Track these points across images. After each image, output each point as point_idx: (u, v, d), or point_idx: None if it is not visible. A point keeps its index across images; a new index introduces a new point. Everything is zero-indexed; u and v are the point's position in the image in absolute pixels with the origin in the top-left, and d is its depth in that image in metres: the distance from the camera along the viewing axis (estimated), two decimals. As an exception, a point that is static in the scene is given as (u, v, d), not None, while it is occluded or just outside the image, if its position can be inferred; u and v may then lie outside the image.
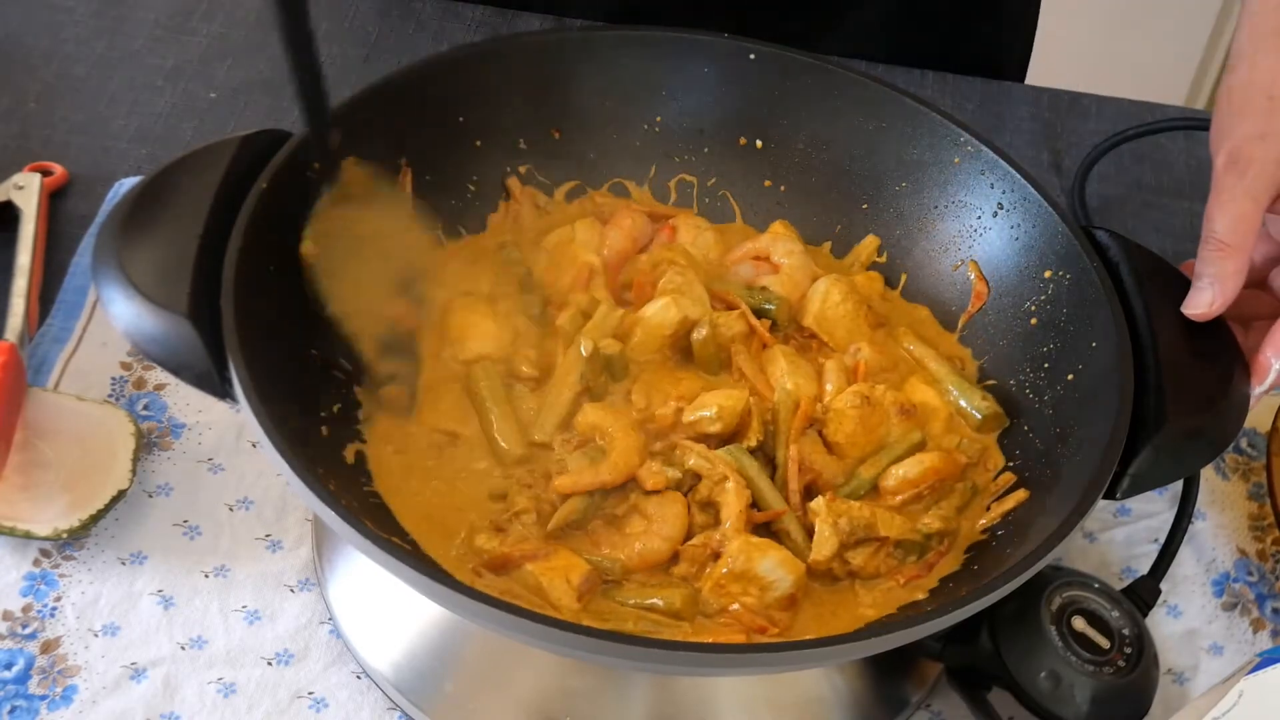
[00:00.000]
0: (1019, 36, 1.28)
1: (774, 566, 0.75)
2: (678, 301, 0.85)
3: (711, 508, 0.78)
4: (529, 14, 1.19)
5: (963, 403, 0.85)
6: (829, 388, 0.84)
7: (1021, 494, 0.80)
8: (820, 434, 0.83)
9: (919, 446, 0.83)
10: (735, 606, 0.75)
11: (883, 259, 0.92)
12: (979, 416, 0.84)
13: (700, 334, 0.84)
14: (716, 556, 0.76)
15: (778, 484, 0.80)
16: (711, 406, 0.80)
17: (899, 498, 0.81)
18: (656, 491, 0.78)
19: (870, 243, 0.92)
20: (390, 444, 0.80)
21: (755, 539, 0.76)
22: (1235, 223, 0.78)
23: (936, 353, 0.88)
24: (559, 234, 0.90)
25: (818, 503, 0.78)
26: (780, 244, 0.91)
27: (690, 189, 0.95)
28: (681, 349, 0.85)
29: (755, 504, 0.78)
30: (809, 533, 0.78)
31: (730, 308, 0.87)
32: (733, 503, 0.77)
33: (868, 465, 0.82)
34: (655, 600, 0.75)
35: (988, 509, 0.81)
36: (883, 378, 0.86)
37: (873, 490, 0.81)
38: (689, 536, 0.78)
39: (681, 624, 0.75)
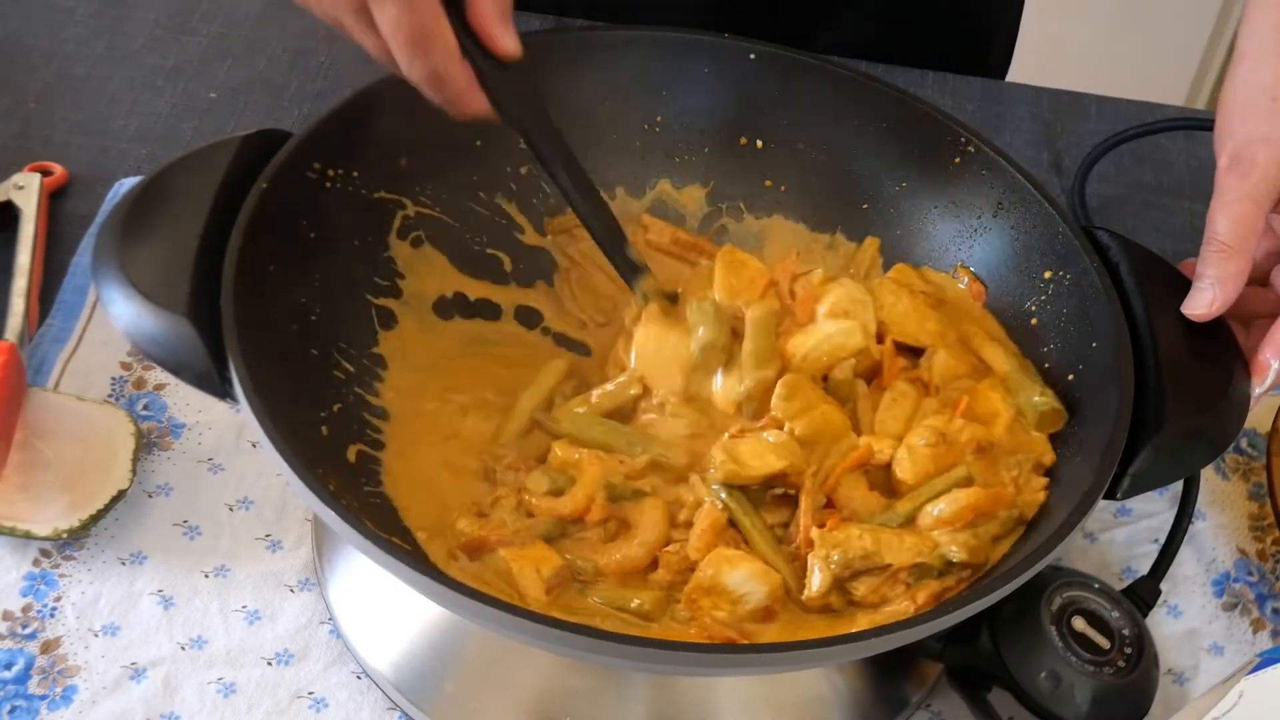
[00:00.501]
0: (1003, 32, 1.28)
1: (745, 579, 0.73)
2: (865, 327, 0.83)
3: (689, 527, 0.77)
4: (529, 14, 1.19)
5: (1021, 398, 0.81)
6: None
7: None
8: (890, 469, 0.79)
9: (965, 481, 0.78)
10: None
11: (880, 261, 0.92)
12: (1036, 414, 0.80)
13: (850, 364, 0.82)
14: (694, 567, 0.75)
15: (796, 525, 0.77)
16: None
17: (936, 534, 0.76)
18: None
19: (870, 244, 0.92)
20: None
21: (727, 551, 0.74)
22: (1237, 224, 0.78)
23: (1004, 350, 0.84)
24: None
25: (815, 533, 0.75)
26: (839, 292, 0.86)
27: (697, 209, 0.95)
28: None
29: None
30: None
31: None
32: (702, 521, 0.76)
33: (905, 500, 0.78)
34: (625, 601, 0.74)
35: None
36: (956, 385, 0.83)
37: (909, 524, 0.77)
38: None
39: (650, 625, 0.74)
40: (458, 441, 0.82)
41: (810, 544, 0.75)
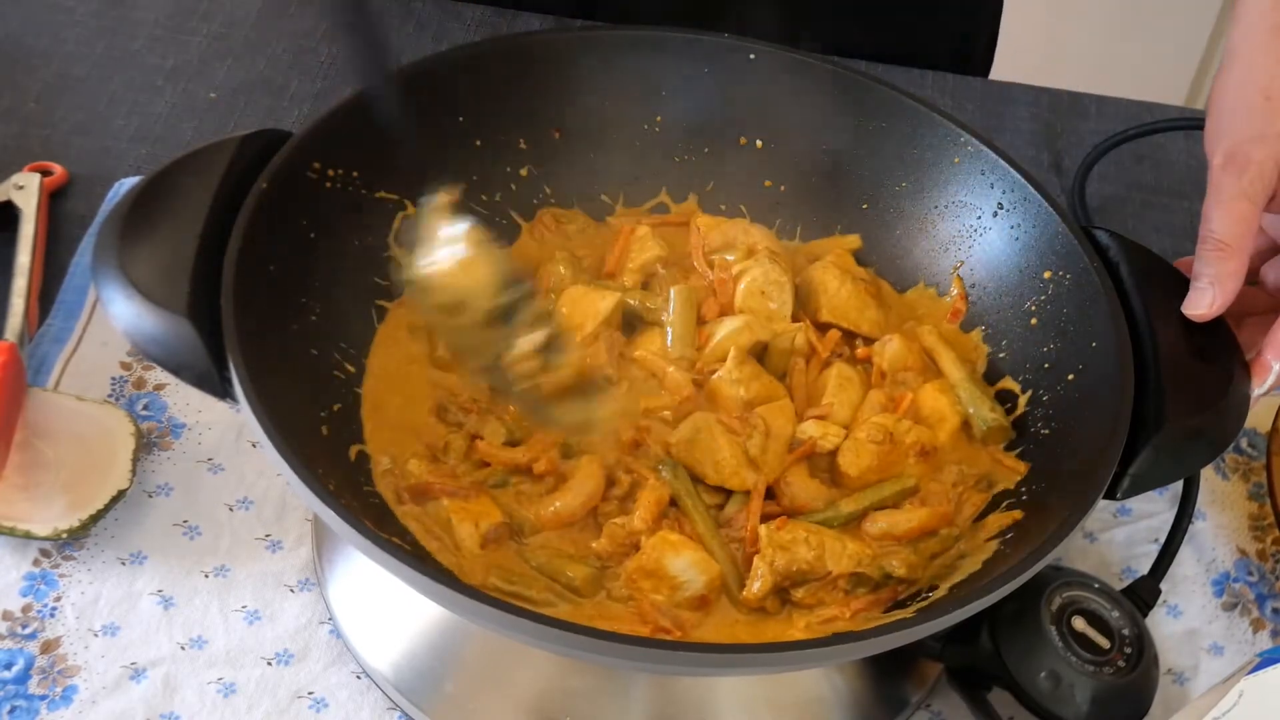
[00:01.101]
0: (984, 28, 1.29)
1: (686, 567, 0.74)
2: (751, 326, 0.85)
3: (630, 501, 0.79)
4: (529, 14, 1.19)
5: (971, 410, 0.84)
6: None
7: (1015, 514, 0.79)
8: (833, 457, 0.81)
9: (910, 492, 0.81)
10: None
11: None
12: (984, 428, 0.83)
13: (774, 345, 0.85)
14: (638, 546, 0.76)
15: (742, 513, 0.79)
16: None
17: (878, 544, 0.78)
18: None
19: (851, 240, 0.93)
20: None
21: (672, 536, 0.76)
22: (1233, 223, 0.78)
23: (955, 355, 0.86)
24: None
25: (762, 530, 0.76)
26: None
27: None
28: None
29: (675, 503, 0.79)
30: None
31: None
32: (646, 496, 0.77)
33: (850, 500, 0.80)
34: (560, 571, 0.75)
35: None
36: (903, 377, 0.85)
37: (850, 523, 0.79)
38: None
39: (581, 601, 0.75)
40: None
41: (755, 541, 0.77)
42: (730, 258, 0.89)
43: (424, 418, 0.81)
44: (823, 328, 0.88)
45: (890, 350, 0.86)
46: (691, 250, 0.91)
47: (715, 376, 0.83)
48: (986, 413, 0.83)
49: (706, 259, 0.90)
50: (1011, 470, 0.81)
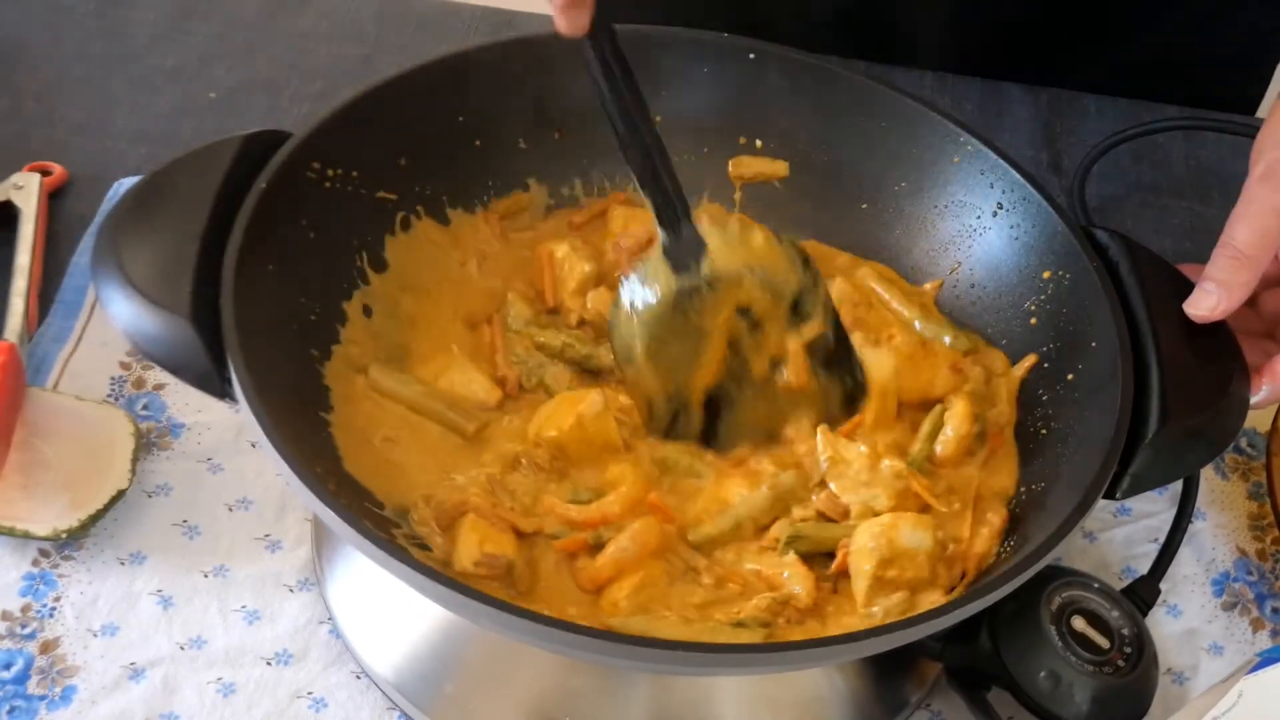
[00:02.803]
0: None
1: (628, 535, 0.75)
2: None
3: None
4: (529, 14, 1.19)
5: (931, 337, 0.87)
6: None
7: (1031, 359, 0.83)
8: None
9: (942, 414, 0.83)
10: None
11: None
12: (958, 348, 0.86)
13: None
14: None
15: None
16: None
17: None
18: None
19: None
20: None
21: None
22: (1258, 236, 0.77)
23: (899, 292, 0.89)
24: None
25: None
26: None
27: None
28: None
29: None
30: None
31: None
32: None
33: (918, 440, 0.82)
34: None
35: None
36: (857, 313, 0.87)
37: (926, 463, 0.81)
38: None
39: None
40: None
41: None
42: None
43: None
44: None
45: (836, 289, 0.87)
46: (610, 246, 0.90)
47: None
48: (950, 335, 0.87)
49: (630, 252, 0.89)
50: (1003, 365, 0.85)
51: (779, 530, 0.77)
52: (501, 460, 0.79)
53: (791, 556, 0.76)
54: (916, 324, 0.87)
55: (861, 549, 0.74)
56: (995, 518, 0.78)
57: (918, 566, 0.74)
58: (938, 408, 0.83)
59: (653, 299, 0.79)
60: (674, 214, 0.79)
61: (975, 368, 0.85)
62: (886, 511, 0.77)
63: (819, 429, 0.81)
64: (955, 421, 0.81)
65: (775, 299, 0.80)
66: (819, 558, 0.77)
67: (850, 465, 0.79)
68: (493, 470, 0.78)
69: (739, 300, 0.79)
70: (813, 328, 0.81)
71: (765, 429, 0.82)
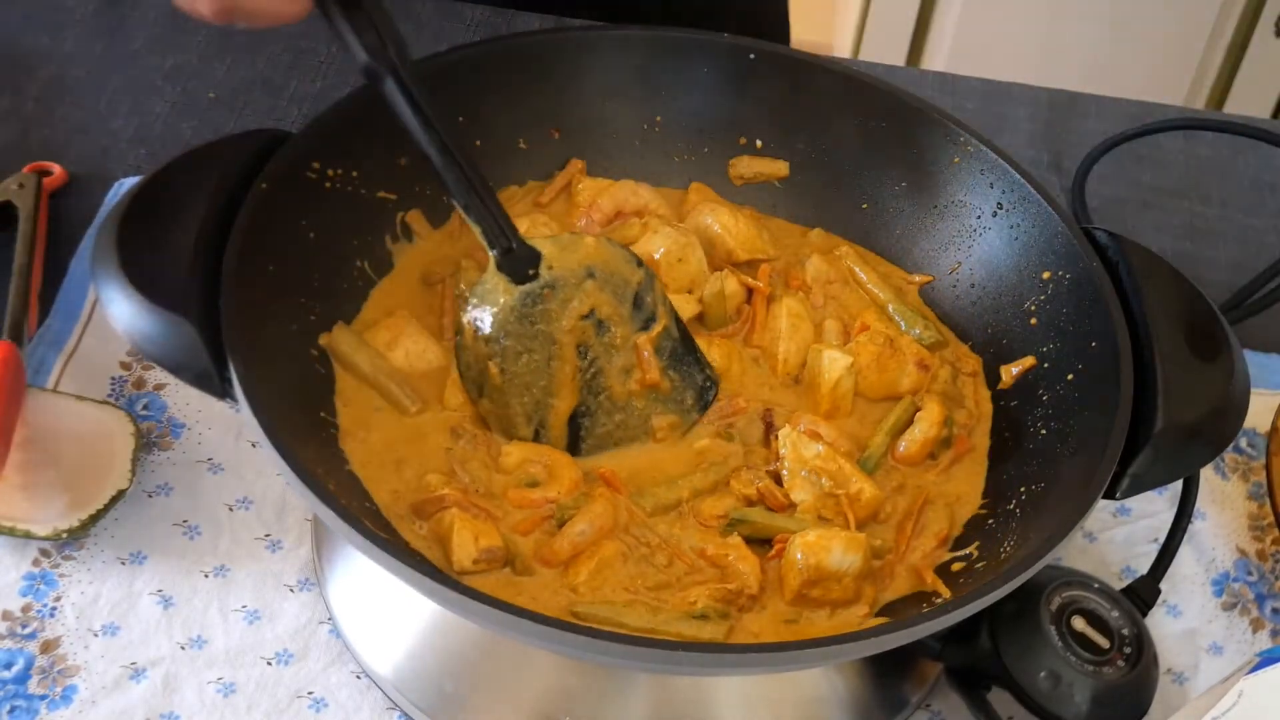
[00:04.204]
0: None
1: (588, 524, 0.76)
2: (699, 269, 0.87)
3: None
4: (529, 14, 1.19)
5: (902, 326, 0.88)
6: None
7: (1029, 360, 0.84)
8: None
9: (913, 410, 0.84)
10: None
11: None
12: (923, 344, 0.87)
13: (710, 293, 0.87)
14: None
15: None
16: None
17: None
18: None
19: (695, 188, 0.94)
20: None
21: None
22: None
23: (876, 274, 0.90)
24: None
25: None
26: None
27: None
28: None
29: None
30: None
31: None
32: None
33: (877, 434, 0.83)
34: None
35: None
36: (833, 291, 0.89)
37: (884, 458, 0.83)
38: None
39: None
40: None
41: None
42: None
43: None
44: (740, 266, 0.90)
45: (812, 267, 0.90)
46: (579, 221, 0.91)
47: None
48: (920, 327, 0.87)
49: (605, 227, 0.90)
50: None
51: (720, 506, 0.79)
52: (444, 430, 0.80)
53: (736, 539, 0.77)
54: (890, 307, 0.88)
55: (791, 563, 0.76)
56: (940, 526, 0.79)
57: (843, 589, 0.76)
58: (906, 400, 0.84)
59: (496, 310, 0.79)
60: (500, 232, 0.79)
61: (943, 366, 0.86)
62: (824, 516, 0.79)
63: (783, 428, 0.82)
64: (925, 424, 0.83)
65: (617, 298, 0.81)
66: (759, 542, 0.78)
67: (805, 464, 0.80)
68: (449, 445, 0.79)
69: (583, 304, 0.81)
70: (657, 325, 0.82)
71: (626, 434, 0.82)
